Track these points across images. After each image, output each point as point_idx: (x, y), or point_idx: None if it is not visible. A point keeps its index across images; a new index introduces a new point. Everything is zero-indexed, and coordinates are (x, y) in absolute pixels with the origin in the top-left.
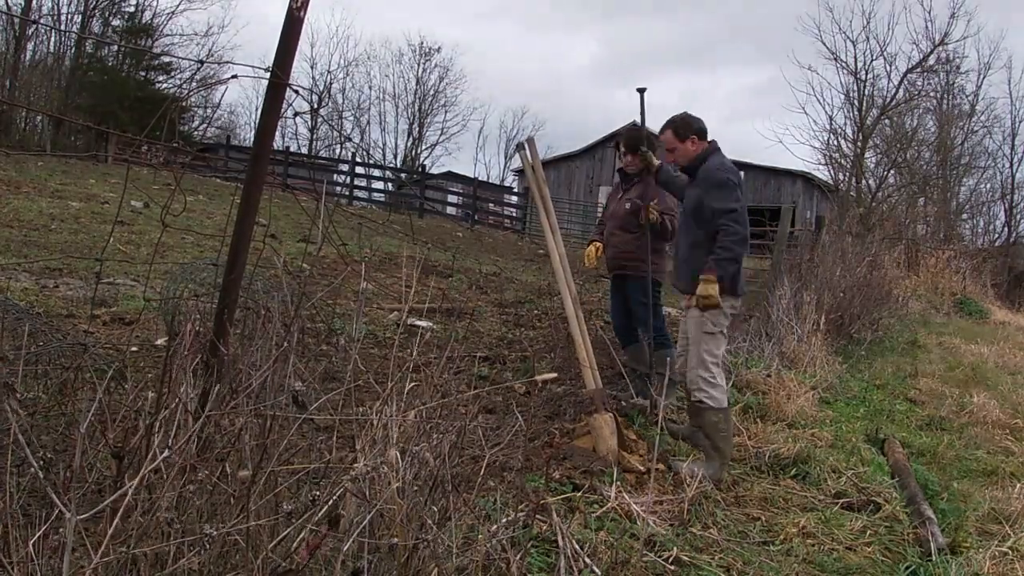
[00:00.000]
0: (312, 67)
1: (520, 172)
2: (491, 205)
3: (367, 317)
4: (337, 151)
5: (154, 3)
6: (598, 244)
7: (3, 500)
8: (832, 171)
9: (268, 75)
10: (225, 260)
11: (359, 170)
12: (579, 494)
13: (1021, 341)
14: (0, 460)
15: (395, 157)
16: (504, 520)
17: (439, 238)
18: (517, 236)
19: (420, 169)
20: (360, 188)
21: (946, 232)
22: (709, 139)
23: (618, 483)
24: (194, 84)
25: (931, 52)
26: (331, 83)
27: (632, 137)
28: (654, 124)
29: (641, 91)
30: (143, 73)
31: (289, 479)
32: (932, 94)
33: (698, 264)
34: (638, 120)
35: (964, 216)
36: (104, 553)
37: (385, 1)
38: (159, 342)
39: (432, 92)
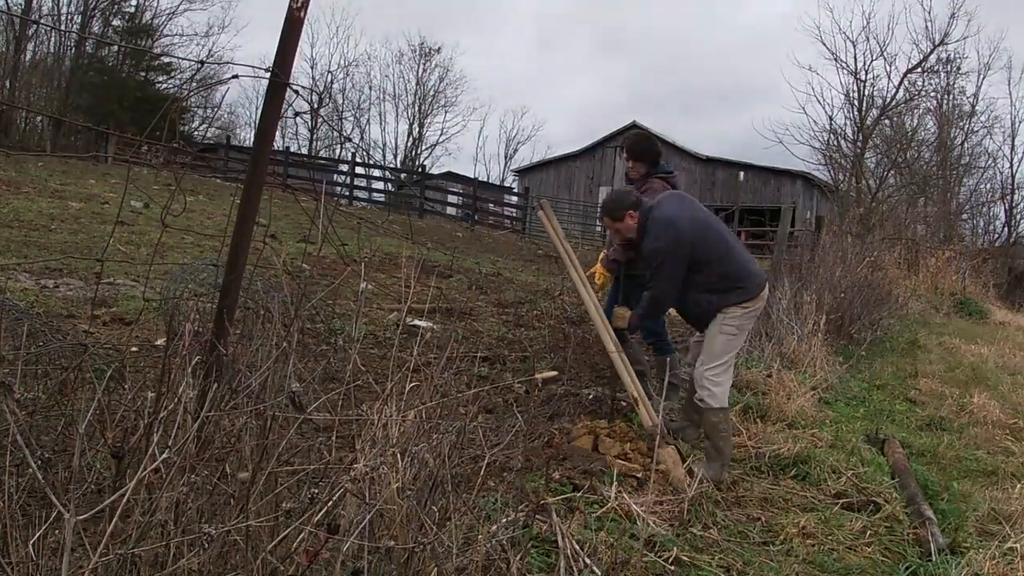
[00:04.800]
0: (312, 67)
1: (520, 172)
2: (491, 205)
3: (367, 317)
4: (337, 151)
5: (154, 3)
6: (601, 271)
7: (3, 500)
8: (832, 171)
9: (268, 75)
10: (225, 260)
11: (359, 170)
12: (579, 494)
13: (1021, 341)
14: (0, 460)
15: (395, 157)
16: (504, 520)
17: (439, 238)
18: (517, 236)
19: (420, 169)
20: (360, 188)
21: (946, 232)
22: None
23: (618, 483)
24: (194, 84)
25: (931, 52)
26: (331, 83)
27: (633, 143)
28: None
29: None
30: (143, 73)
31: (289, 479)
32: (932, 94)
33: (698, 307)
34: (638, 121)
35: (964, 216)
36: (103, 553)
37: (386, 1)
38: (159, 342)
39: (432, 92)
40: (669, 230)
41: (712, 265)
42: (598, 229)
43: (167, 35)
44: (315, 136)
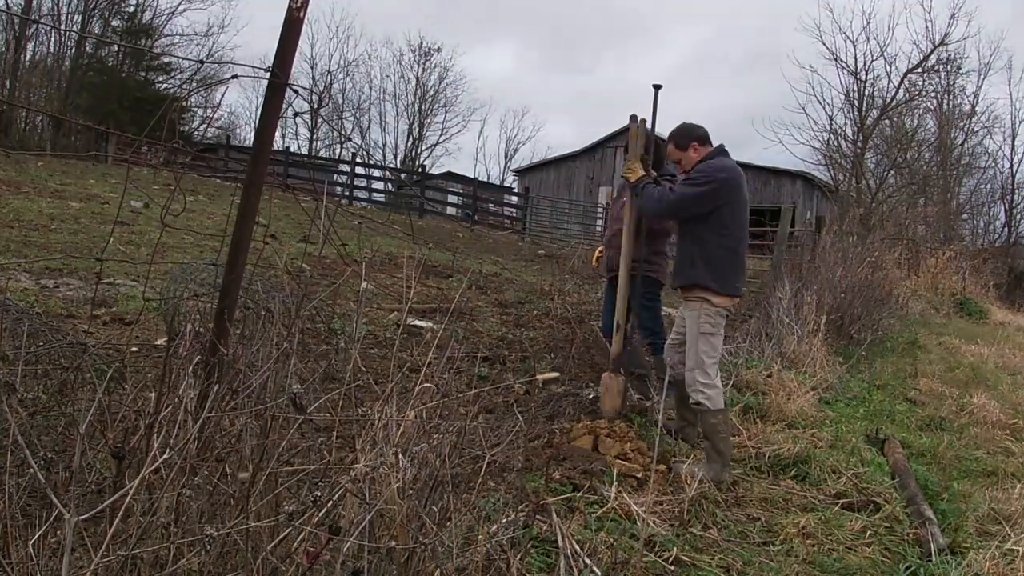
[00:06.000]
0: (312, 67)
1: (520, 172)
2: (491, 205)
3: (367, 317)
4: (337, 151)
5: (154, 3)
6: (600, 249)
7: (3, 500)
8: (832, 171)
9: (268, 75)
10: (225, 260)
11: (359, 170)
12: (579, 494)
13: (1021, 341)
14: (0, 460)
15: (395, 157)
16: (504, 520)
17: (439, 238)
18: (517, 236)
19: (420, 169)
20: (360, 188)
21: (946, 232)
22: (716, 144)
23: (618, 483)
24: (194, 84)
25: (931, 52)
26: (331, 83)
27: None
28: (666, 125)
29: (656, 87)
30: (143, 73)
31: (289, 480)
32: (932, 94)
33: (684, 261)
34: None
35: (964, 216)
36: (104, 554)
37: (386, 1)
38: (159, 342)
39: (432, 92)
40: (721, 171)
41: (721, 231)
42: (598, 229)
43: (167, 35)
44: (315, 136)
